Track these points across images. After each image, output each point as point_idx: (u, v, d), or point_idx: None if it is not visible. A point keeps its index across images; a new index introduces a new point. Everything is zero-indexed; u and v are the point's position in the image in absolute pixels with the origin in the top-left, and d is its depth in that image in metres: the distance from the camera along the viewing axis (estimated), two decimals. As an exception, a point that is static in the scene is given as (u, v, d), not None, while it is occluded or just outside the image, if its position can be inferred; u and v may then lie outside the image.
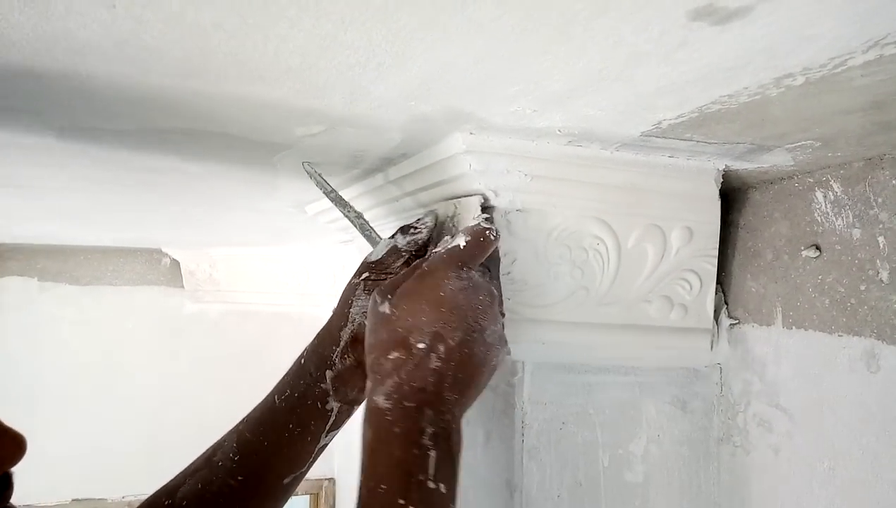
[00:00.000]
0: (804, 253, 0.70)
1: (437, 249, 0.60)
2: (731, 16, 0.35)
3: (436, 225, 0.69)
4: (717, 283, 0.79)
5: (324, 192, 0.70)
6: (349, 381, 0.67)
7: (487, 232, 0.59)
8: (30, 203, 1.10)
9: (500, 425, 0.78)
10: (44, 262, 2.16)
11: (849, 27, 0.37)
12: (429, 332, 0.53)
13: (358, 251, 1.27)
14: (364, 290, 0.67)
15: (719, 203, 0.74)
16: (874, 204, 0.63)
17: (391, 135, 0.63)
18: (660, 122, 0.56)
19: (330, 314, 0.70)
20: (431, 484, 0.49)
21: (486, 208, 0.65)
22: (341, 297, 0.69)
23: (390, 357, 0.54)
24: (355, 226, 0.71)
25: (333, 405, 0.67)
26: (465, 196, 0.68)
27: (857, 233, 0.65)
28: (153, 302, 2.26)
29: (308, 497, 2.27)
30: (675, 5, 0.35)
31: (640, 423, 0.79)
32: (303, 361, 0.69)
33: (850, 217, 0.65)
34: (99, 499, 2.12)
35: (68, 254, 2.18)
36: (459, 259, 0.57)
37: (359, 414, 0.65)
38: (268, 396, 0.70)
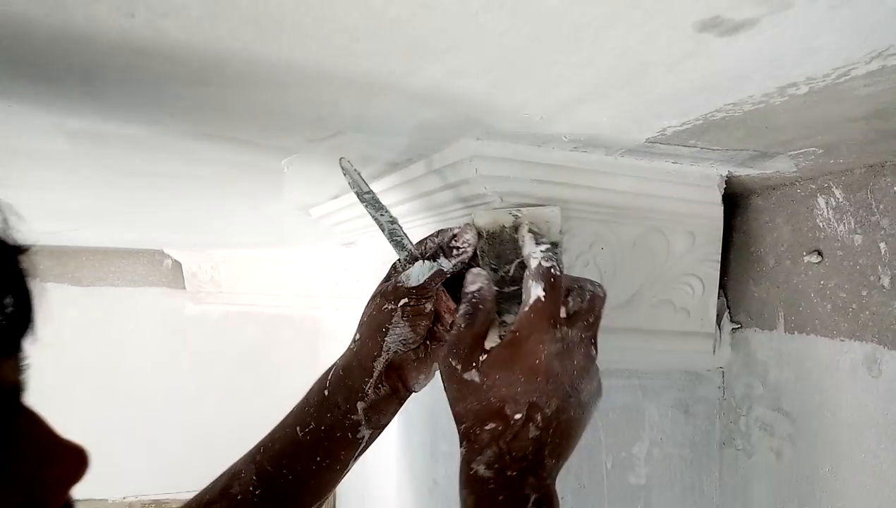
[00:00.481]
0: (806, 258, 0.71)
1: (522, 307, 0.55)
2: (737, 27, 0.36)
3: (479, 238, 0.63)
4: (720, 288, 0.79)
5: (356, 192, 0.64)
6: (383, 409, 0.65)
7: (555, 270, 0.54)
8: (32, 204, 1.11)
9: (504, 427, 0.79)
10: (45, 263, 2.16)
11: (852, 39, 0.37)
12: (525, 403, 0.52)
13: (361, 254, 1.27)
14: (403, 318, 0.62)
15: (722, 208, 0.75)
16: (876, 210, 0.64)
17: (398, 140, 0.64)
18: (664, 129, 0.57)
19: (354, 340, 0.66)
20: None
21: (536, 234, 0.60)
22: (368, 323, 0.64)
23: (486, 428, 0.52)
24: (384, 231, 0.65)
25: (365, 433, 0.65)
26: (533, 204, 0.64)
27: (858, 238, 0.65)
28: (155, 304, 2.27)
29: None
30: (684, 17, 0.35)
31: (642, 426, 0.79)
32: (327, 393, 0.65)
33: (852, 223, 0.66)
34: (100, 500, 2.13)
35: (70, 255, 2.19)
36: (550, 316, 0.53)
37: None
38: (286, 427, 0.66)
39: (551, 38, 0.38)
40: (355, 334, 0.66)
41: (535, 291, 0.54)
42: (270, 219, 1.26)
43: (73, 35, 0.39)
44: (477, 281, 0.58)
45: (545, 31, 0.37)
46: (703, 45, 0.38)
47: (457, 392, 0.55)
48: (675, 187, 0.71)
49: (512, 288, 0.64)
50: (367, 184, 0.64)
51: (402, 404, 0.67)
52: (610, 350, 0.76)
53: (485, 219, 0.64)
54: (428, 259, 0.62)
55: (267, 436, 0.68)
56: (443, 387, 0.57)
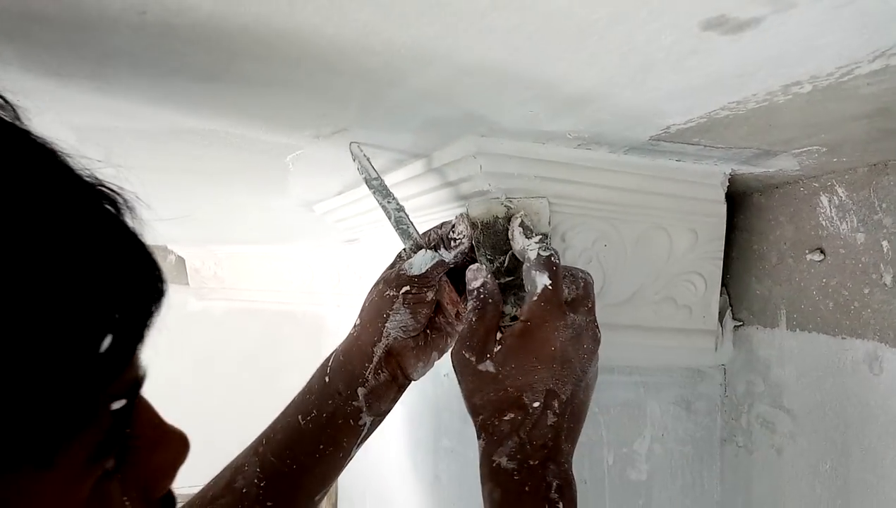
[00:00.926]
0: (808, 256, 0.71)
1: (530, 297, 0.56)
2: (742, 26, 0.37)
3: (473, 228, 0.65)
4: (722, 285, 0.80)
5: (365, 178, 0.65)
6: (383, 395, 0.65)
7: (555, 258, 0.56)
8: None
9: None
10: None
11: (856, 38, 0.38)
12: (542, 391, 0.53)
13: (364, 250, 1.28)
14: (404, 305, 0.63)
15: (725, 206, 0.75)
16: (878, 208, 0.64)
17: (403, 136, 0.65)
18: (668, 127, 0.57)
19: (354, 325, 0.67)
20: None
21: (526, 227, 0.62)
22: (370, 309, 0.65)
23: (506, 418, 0.53)
24: (391, 218, 0.66)
25: (367, 419, 0.65)
26: (526, 197, 0.66)
27: (861, 237, 0.66)
28: (158, 299, 2.27)
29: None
30: (689, 16, 0.36)
31: (644, 423, 0.80)
32: (328, 379, 0.66)
33: (855, 221, 0.66)
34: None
35: (73, 250, 2.19)
36: (560, 303, 0.55)
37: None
38: (288, 417, 0.67)
39: (558, 36, 0.39)
40: (356, 319, 0.67)
41: (541, 280, 0.55)
42: (274, 215, 1.27)
43: (86, 31, 0.39)
44: (479, 276, 0.59)
45: (552, 29, 0.38)
46: (708, 44, 0.39)
47: (472, 384, 0.56)
48: (679, 185, 0.71)
49: (507, 279, 0.65)
50: (375, 171, 0.65)
51: (401, 391, 0.67)
52: (612, 346, 0.77)
53: (479, 210, 0.65)
54: (430, 249, 0.63)
55: (268, 428, 0.68)
56: (457, 382, 0.58)
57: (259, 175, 0.86)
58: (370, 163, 0.65)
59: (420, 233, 0.66)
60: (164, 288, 0.32)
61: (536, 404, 0.53)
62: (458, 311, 0.65)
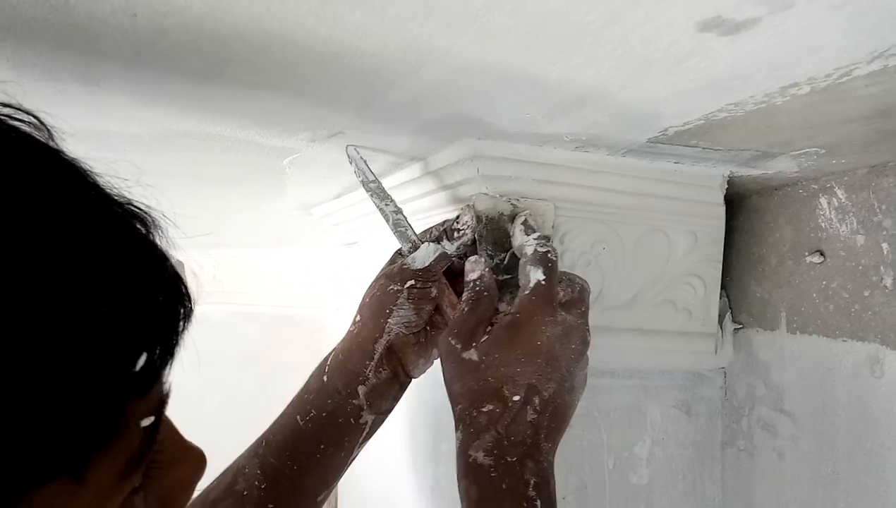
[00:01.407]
0: (808, 258, 0.71)
1: (522, 291, 0.56)
2: (739, 27, 0.36)
3: (478, 222, 0.64)
4: (722, 288, 0.79)
5: (361, 181, 0.64)
6: (384, 393, 0.64)
7: (551, 255, 0.56)
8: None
9: (506, 427, 0.79)
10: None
11: (854, 39, 0.37)
12: (523, 384, 0.52)
13: (362, 254, 1.27)
14: (409, 299, 0.62)
15: (724, 209, 0.75)
16: (878, 210, 0.64)
17: (400, 139, 0.64)
18: (666, 129, 0.56)
19: (354, 322, 0.66)
20: None
21: (528, 226, 0.62)
22: (371, 304, 0.64)
23: (484, 409, 0.52)
24: (388, 221, 0.65)
25: (368, 418, 0.64)
26: (532, 199, 0.66)
27: (861, 239, 0.65)
28: (157, 303, 2.27)
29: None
30: (685, 17, 0.35)
31: (644, 426, 0.79)
32: (326, 379, 0.64)
33: (855, 223, 0.66)
34: (102, 499, 2.13)
35: (72, 255, 2.18)
36: (551, 299, 0.55)
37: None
38: (287, 417, 0.66)
39: (552, 38, 0.38)
40: (356, 316, 0.66)
41: (534, 275, 0.56)
42: (272, 218, 1.27)
43: (75, 35, 0.39)
44: (476, 268, 0.59)
45: (546, 31, 0.37)
46: (705, 45, 0.38)
47: (454, 370, 0.55)
48: (677, 187, 0.71)
49: (505, 277, 0.65)
50: (372, 173, 0.64)
51: (403, 390, 0.67)
52: (612, 350, 0.76)
53: (485, 205, 0.65)
54: (433, 242, 0.63)
55: (268, 430, 0.67)
56: (443, 372, 0.57)
57: (256, 179, 0.86)
58: (367, 166, 0.64)
59: (418, 234, 0.66)
60: (192, 306, 0.33)
61: (516, 397, 0.52)
62: (457, 305, 0.65)
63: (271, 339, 2.37)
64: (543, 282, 0.55)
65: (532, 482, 0.50)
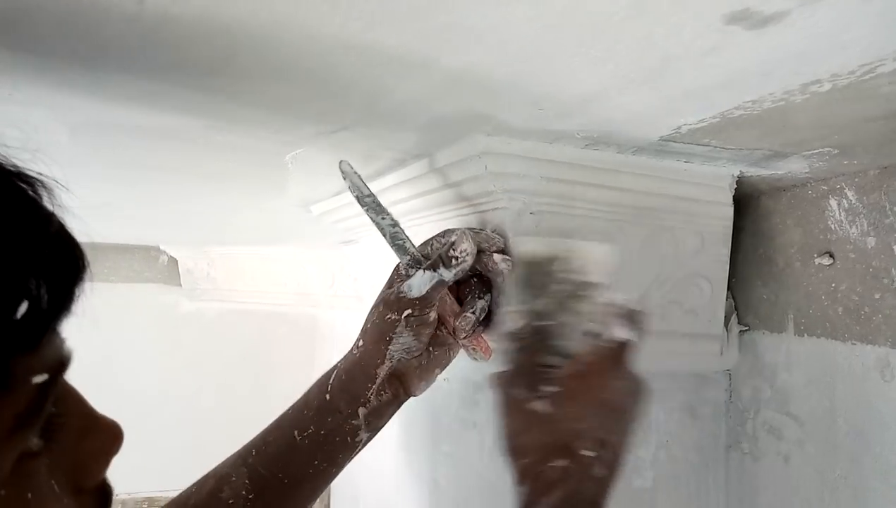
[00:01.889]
0: (817, 260, 0.70)
1: (598, 340, 0.55)
2: (767, 20, 0.35)
3: (515, 267, 0.62)
4: (728, 289, 0.78)
5: (356, 196, 0.63)
6: (384, 413, 0.65)
7: (642, 315, 0.57)
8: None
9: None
10: (39, 259, 2.14)
11: (882, 34, 0.36)
12: (595, 440, 0.51)
13: (358, 252, 1.26)
14: (407, 328, 0.62)
15: (733, 209, 0.74)
16: (889, 212, 0.63)
17: (406, 135, 0.63)
18: (680, 127, 0.56)
19: (356, 345, 0.66)
20: None
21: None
22: (373, 331, 0.64)
23: (555, 465, 0.50)
24: (385, 235, 0.64)
25: (364, 436, 0.65)
26: (583, 241, 0.65)
27: (871, 241, 0.65)
28: (150, 300, 2.24)
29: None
30: (712, 9, 0.34)
31: (648, 429, 0.78)
32: (328, 397, 0.65)
33: (865, 225, 0.65)
34: (92, 498, 2.10)
35: (64, 251, 2.16)
36: (623, 355, 0.54)
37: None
38: (282, 430, 0.66)
39: (573, 29, 0.37)
40: (358, 339, 0.66)
41: (619, 331, 0.55)
42: (270, 215, 1.25)
43: (79, 22, 0.38)
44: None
45: (567, 22, 0.36)
46: (731, 39, 0.37)
47: (520, 424, 0.53)
48: (686, 187, 0.70)
49: (543, 323, 0.61)
50: (367, 188, 0.63)
51: (400, 407, 0.67)
52: (618, 351, 0.75)
53: (526, 247, 0.62)
54: (428, 268, 0.61)
55: (258, 439, 0.67)
56: (500, 422, 0.55)
57: (258, 175, 0.84)
58: (361, 180, 0.62)
59: (417, 246, 0.64)
60: (83, 265, 0.33)
61: (587, 453, 0.50)
62: (454, 327, 0.64)
63: (265, 337, 2.35)
64: (628, 341, 0.54)
65: None
